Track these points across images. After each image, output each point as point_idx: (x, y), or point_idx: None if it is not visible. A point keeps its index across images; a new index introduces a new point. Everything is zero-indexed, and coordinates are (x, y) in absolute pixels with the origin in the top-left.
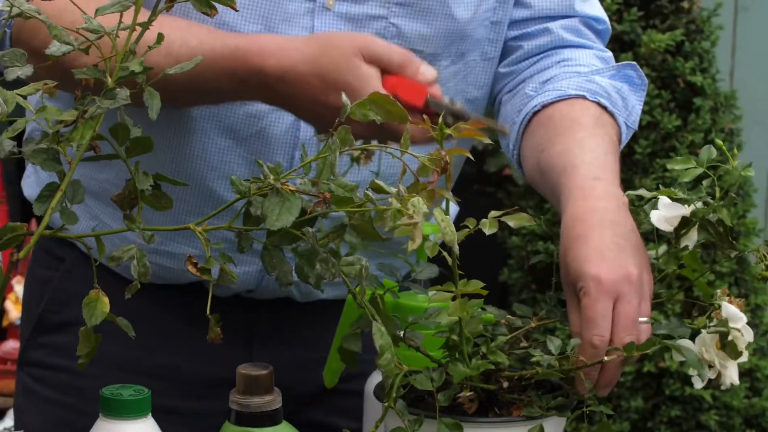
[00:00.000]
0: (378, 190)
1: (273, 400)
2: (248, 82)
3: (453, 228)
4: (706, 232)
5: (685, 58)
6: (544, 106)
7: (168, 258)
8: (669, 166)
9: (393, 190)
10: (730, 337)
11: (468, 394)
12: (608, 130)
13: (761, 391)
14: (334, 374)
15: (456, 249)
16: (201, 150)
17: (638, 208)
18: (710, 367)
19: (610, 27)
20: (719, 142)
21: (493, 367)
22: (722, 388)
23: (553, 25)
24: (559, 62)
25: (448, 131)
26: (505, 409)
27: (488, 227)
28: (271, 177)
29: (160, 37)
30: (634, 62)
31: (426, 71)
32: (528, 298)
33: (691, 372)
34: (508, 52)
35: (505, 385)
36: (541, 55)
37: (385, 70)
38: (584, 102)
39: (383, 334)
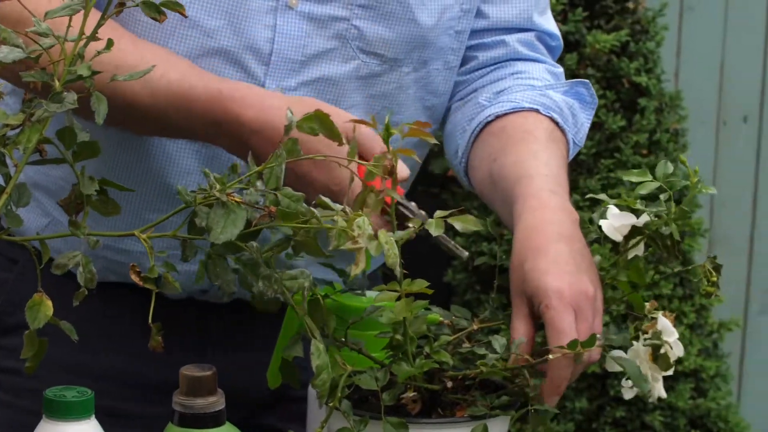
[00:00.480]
0: (323, 206)
1: (216, 402)
2: (222, 127)
3: (396, 251)
4: (655, 244)
5: (630, 59)
6: (498, 117)
7: (122, 254)
8: (625, 178)
9: (338, 207)
10: (662, 350)
11: (411, 394)
12: (560, 145)
13: (706, 391)
14: (277, 376)
15: (398, 272)
16: (160, 145)
17: (588, 215)
18: None
19: (562, 44)
20: (683, 158)
21: (437, 366)
22: (650, 400)
23: (510, 38)
24: (512, 74)
25: (394, 131)
26: (449, 410)
27: (434, 228)
28: (217, 188)
29: (110, 43)
30: (587, 80)
31: (402, 169)
32: (472, 299)
33: (624, 383)
34: (463, 61)
35: (449, 385)
36: (495, 66)
37: (363, 156)
38: (537, 116)
39: (321, 353)
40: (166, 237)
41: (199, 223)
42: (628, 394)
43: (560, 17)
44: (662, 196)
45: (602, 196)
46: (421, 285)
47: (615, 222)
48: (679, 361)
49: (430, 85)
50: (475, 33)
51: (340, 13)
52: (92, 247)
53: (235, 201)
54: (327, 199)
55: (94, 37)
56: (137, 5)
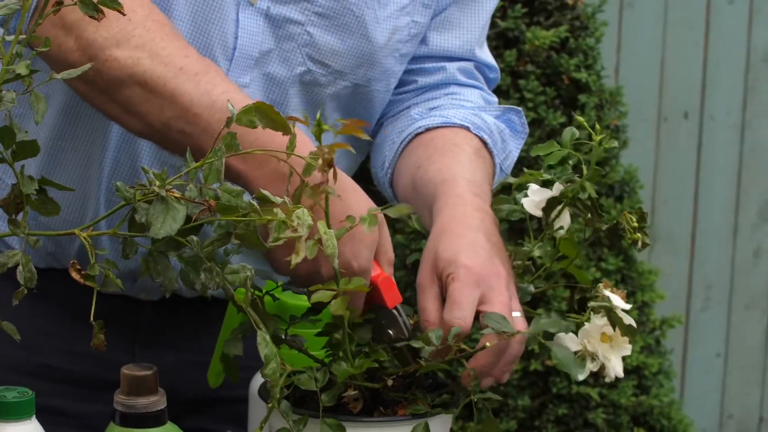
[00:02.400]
0: (263, 199)
1: (158, 401)
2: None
3: (334, 241)
4: (574, 207)
5: (569, 55)
6: (428, 129)
7: (64, 239)
8: (532, 153)
9: (278, 200)
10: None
11: (352, 393)
12: (486, 163)
13: (649, 388)
14: (219, 376)
15: (336, 263)
16: (119, 134)
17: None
18: (593, 359)
19: (499, 76)
20: (579, 118)
21: (375, 365)
22: (606, 380)
23: (450, 66)
24: (447, 94)
25: (326, 127)
26: (391, 408)
27: (368, 223)
28: (157, 184)
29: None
30: (519, 108)
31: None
32: (412, 296)
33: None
34: (401, 83)
35: (390, 383)
36: (427, 89)
37: (375, 258)
38: (467, 133)
39: (268, 343)
40: (107, 234)
41: (139, 219)
42: (580, 375)
43: (499, 13)
44: (571, 161)
45: (510, 179)
46: (357, 283)
47: (535, 197)
48: (621, 358)
49: (366, 102)
50: (416, 58)
51: (297, 17)
52: (32, 246)
53: (175, 196)
54: (267, 192)
55: (31, 35)
56: (74, 4)
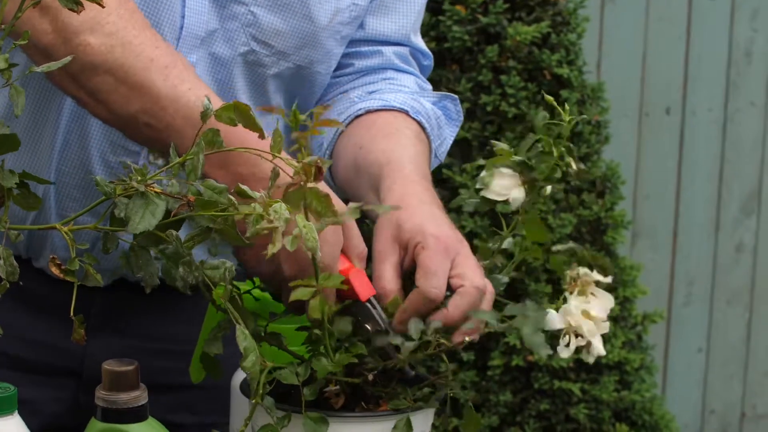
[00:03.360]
0: (242, 194)
1: (139, 396)
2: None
3: (315, 234)
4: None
5: (551, 51)
6: (368, 112)
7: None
8: (496, 149)
9: (257, 194)
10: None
11: (334, 388)
12: (426, 148)
13: (631, 384)
14: (201, 371)
15: (318, 255)
16: (70, 112)
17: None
18: (578, 336)
19: (433, 64)
20: (549, 98)
21: (355, 360)
22: (590, 360)
23: (386, 49)
24: (384, 79)
25: (301, 117)
26: (373, 403)
27: (349, 216)
28: (137, 179)
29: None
30: (455, 96)
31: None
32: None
33: (561, 341)
34: (339, 67)
35: (370, 377)
36: (365, 73)
37: (345, 252)
38: (407, 117)
39: (246, 336)
40: (87, 229)
41: (118, 214)
42: (564, 353)
43: (481, 9)
44: (539, 145)
45: (480, 161)
46: (337, 280)
47: (502, 181)
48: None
49: (306, 83)
50: (353, 42)
51: None
52: (13, 241)
53: (155, 191)
54: (246, 187)
55: (11, 27)
56: None
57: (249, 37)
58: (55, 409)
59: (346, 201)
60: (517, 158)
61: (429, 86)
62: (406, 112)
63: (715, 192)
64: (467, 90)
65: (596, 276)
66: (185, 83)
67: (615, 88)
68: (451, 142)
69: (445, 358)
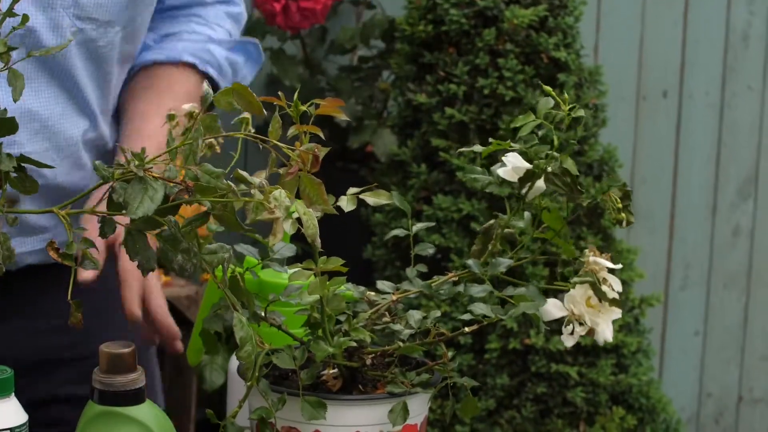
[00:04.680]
0: (241, 180)
1: (136, 379)
2: None
3: (315, 221)
4: (553, 185)
5: (548, 34)
6: (155, 63)
7: None
8: (511, 125)
9: (256, 180)
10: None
11: (332, 371)
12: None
13: (628, 367)
14: (198, 353)
15: (318, 243)
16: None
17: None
18: (581, 323)
19: None
20: (547, 88)
21: (355, 344)
22: (600, 343)
23: None
24: (188, 16)
25: (302, 107)
26: (370, 386)
27: (347, 204)
28: (135, 163)
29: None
30: (256, 41)
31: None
32: (392, 274)
33: (564, 329)
34: None
35: (369, 362)
36: (174, 9)
37: None
38: (189, 72)
39: (243, 325)
40: (84, 213)
41: (116, 199)
42: (568, 341)
43: None
44: (541, 132)
45: (477, 147)
46: (336, 263)
47: (511, 164)
48: None
49: (136, 36)
50: None
51: None
52: (11, 225)
53: (153, 176)
54: (244, 173)
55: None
56: None
57: (73, 18)
58: None
59: None
60: (515, 146)
61: (238, 9)
62: (194, 65)
63: (712, 176)
64: (464, 73)
65: (607, 263)
66: None
67: (612, 71)
68: (251, 79)
69: (443, 347)
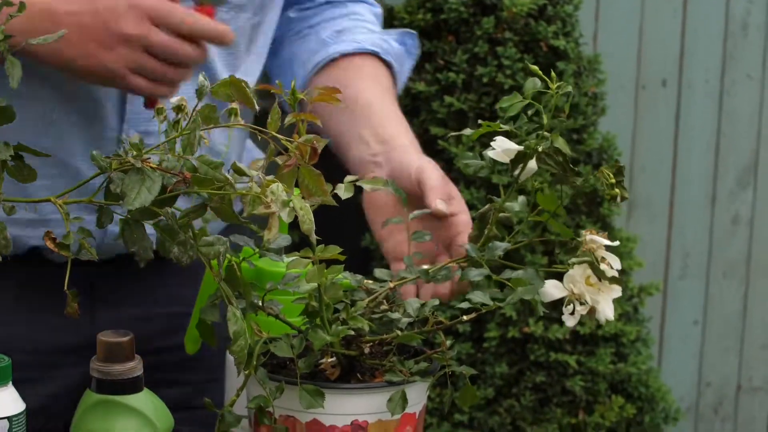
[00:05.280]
0: (239, 172)
1: (134, 368)
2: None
3: (311, 216)
4: (546, 165)
5: (547, 22)
6: (343, 55)
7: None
8: (497, 106)
9: (254, 173)
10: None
11: (330, 360)
12: (394, 96)
13: (627, 356)
14: (196, 342)
15: (314, 238)
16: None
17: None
18: (582, 303)
19: None
20: (533, 67)
21: (353, 333)
22: (600, 323)
23: None
24: (347, 15)
25: (300, 95)
26: (369, 375)
27: (344, 191)
28: (133, 154)
29: (22, 6)
30: (414, 32)
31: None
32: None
33: (564, 310)
34: (299, 1)
35: (367, 350)
36: (328, 5)
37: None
38: (377, 61)
39: (238, 319)
40: (82, 203)
41: (114, 189)
42: (569, 321)
43: None
44: (530, 111)
45: (467, 131)
46: (333, 251)
47: (502, 147)
48: (598, 325)
49: (265, 26)
50: None
51: None
52: (8, 214)
53: (151, 167)
54: (242, 165)
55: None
56: None
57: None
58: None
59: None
60: (505, 127)
61: (379, 10)
62: (377, 54)
63: (712, 164)
64: (463, 62)
65: (604, 240)
66: None
67: (611, 60)
68: (406, 78)
69: (442, 336)
